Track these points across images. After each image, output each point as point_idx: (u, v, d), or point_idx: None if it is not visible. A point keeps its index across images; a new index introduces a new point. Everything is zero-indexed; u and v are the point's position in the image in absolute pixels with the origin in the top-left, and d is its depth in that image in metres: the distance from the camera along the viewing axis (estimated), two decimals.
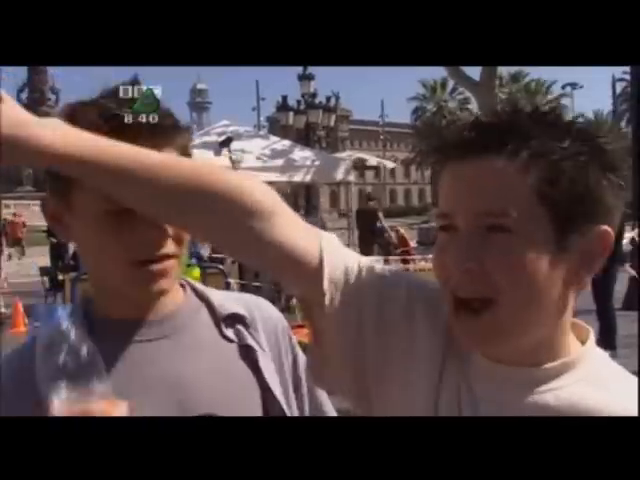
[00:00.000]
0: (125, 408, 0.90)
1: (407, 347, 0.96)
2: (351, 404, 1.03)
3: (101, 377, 0.90)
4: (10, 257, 24.49)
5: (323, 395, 1.27)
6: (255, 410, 1.12)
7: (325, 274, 0.95)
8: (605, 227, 0.87)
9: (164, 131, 1.04)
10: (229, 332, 1.16)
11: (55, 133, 0.84)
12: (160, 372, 1.08)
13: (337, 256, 0.97)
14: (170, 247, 1.06)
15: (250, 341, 1.16)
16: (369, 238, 14.16)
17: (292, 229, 0.94)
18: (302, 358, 1.23)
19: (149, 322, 1.12)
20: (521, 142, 0.86)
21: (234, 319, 1.17)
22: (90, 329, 1.01)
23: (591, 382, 0.89)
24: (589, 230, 0.86)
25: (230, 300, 1.22)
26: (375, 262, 1.04)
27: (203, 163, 0.96)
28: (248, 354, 1.15)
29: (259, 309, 1.24)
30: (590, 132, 0.90)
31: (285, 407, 1.14)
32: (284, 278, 1.01)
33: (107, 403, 0.89)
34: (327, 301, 0.95)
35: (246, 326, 1.18)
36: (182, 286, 1.20)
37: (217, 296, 1.21)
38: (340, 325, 0.96)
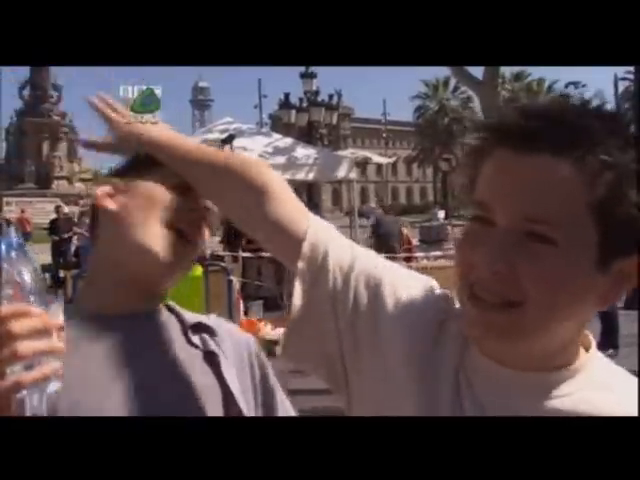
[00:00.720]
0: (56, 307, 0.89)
1: (377, 336, 0.97)
2: (324, 380, 1.05)
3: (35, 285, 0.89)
4: None
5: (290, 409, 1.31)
6: (217, 412, 1.15)
7: (306, 241, 1.03)
8: None
9: None
10: (195, 339, 1.21)
11: (155, 129, 1.20)
12: (127, 368, 1.12)
13: (322, 232, 1.05)
14: (200, 234, 1.21)
15: (213, 347, 1.20)
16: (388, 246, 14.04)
17: (287, 208, 1.08)
18: (272, 377, 1.28)
19: (125, 318, 1.16)
20: (591, 149, 0.78)
21: (200, 328, 1.23)
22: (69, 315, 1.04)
23: (596, 388, 0.87)
24: (631, 254, 0.82)
25: (200, 316, 1.28)
26: (369, 250, 1.07)
27: (228, 152, 1.15)
28: (212, 360, 1.18)
29: (228, 328, 1.30)
30: None
31: (245, 412, 1.17)
32: (275, 250, 1.11)
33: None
34: (302, 263, 1.02)
35: (211, 334, 1.22)
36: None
37: (187, 312, 1.27)
38: (312, 290, 1.01)
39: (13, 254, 0.87)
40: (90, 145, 1.25)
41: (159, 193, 1.19)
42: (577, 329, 0.88)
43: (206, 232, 1.23)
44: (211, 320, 1.28)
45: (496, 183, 0.83)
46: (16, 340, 0.80)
